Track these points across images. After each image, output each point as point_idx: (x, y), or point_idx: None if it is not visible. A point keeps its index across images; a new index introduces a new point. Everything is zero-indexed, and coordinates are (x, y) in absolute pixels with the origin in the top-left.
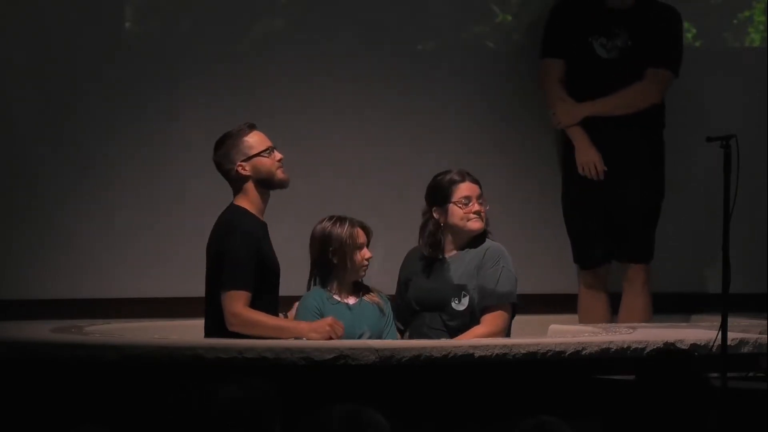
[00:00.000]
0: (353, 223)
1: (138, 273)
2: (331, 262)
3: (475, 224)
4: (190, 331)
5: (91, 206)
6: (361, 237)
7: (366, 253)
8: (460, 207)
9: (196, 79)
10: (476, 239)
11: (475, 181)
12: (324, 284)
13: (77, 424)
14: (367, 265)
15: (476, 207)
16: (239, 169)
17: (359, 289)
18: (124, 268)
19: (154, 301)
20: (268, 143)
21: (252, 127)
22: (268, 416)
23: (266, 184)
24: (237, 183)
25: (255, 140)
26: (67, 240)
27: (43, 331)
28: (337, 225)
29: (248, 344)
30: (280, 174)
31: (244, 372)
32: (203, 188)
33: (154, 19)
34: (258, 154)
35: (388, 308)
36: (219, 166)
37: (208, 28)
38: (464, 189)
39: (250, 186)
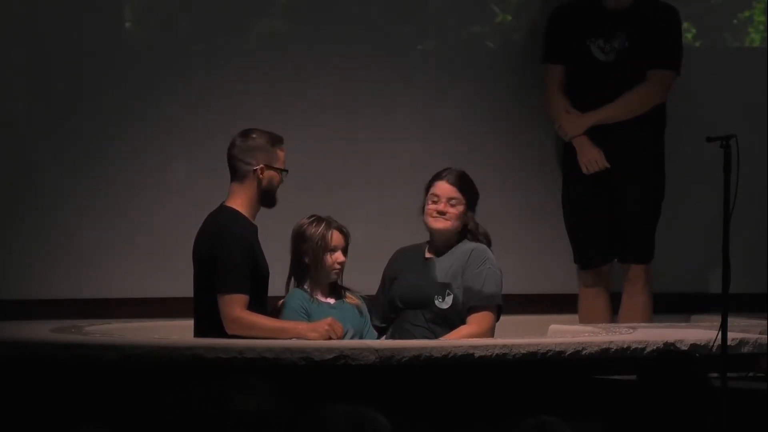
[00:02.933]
0: (330, 225)
1: (138, 273)
2: (303, 261)
3: (435, 223)
4: (190, 331)
5: (91, 206)
6: (336, 240)
7: (339, 257)
8: (428, 203)
9: (195, 80)
10: (459, 241)
11: (454, 184)
12: (300, 283)
13: (77, 424)
14: (338, 269)
15: (441, 207)
16: (258, 170)
17: (337, 290)
18: (124, 268)
19: (154, 301)
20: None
21: (282, 141)
22: (268, 416)
23: (264, 196)
24: (243, 180)
25: (282, 156)
26: (67, 240)
27: (43, 331)
28: (313, 225)
29: (248, 344)
30: (276, 194)
31: (244, 372)
32: (203, 188)
33: (154, 19)
34: (278, 169)
35: (365, 309)
36: (234, 156)
37: (208, 28)
38: (437, 187)
39: (253, 189)
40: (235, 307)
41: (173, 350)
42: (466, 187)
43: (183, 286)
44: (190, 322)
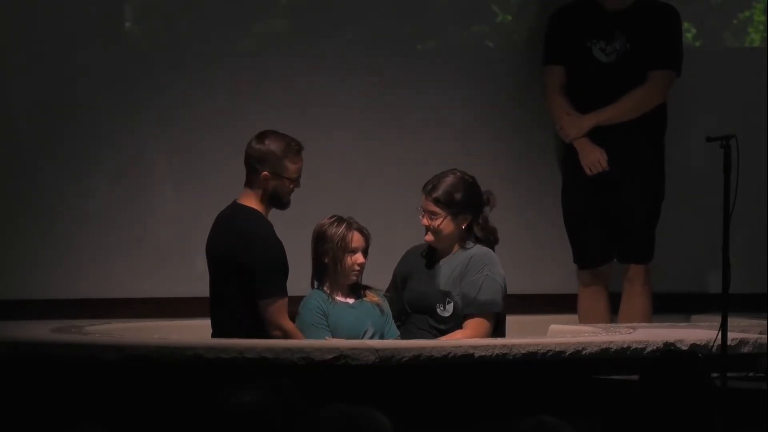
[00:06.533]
0: (350, 226)
1: (138, 273)
2: (323, 261)
3: (425, 237)
4: (190, 331)
5: (91, 206)
6: (356, 242)
7: (358, 258)
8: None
9: (195, 80)
10: (461, 246)
11: (428, 194)
12: (320, 283)
13: (77, 424)
14: (358, 271)
15: (425, 221)
16: (263, 176)
17: (357, 289)
18: (124, 268)
19: (154, 301)
20: (299, 173)
21: (300, 151)
22: (267, 416)
23: (270, 201)
24: (253, 180)
25: (293, 167)
26: (67, 240)
27: (43, 331)
28: (334, 225)
29: (248, 344)
30: (286, 199)
31: (244, 372)
32: (203, 188)
33: (154, 19)
34: (285, 178)
35: (387, 307)
36: (246, 156)
37: (208, 28)
38: (422, 200)
39: (260, 192)
40: (281, 313)
41: (173, 350)
42: (445, 199)
43: (183, 286)
44: (190, 322)
